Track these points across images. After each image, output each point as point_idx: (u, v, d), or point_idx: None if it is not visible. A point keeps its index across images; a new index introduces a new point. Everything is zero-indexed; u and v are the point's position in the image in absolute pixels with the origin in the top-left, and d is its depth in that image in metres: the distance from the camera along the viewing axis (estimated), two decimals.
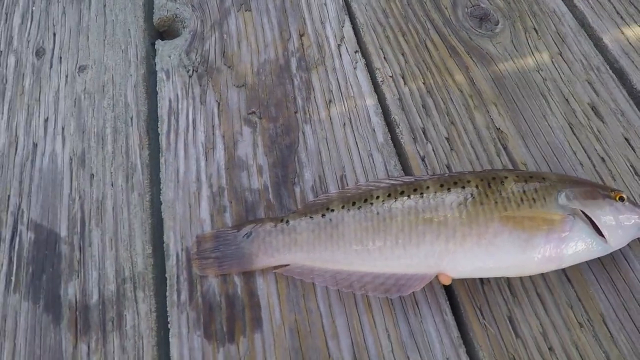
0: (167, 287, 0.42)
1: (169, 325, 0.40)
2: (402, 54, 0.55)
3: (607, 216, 0.36)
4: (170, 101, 0.55)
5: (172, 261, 0.43)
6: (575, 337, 0.37)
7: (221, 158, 0.50)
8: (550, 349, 0.37)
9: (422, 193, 0.39)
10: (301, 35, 0.59)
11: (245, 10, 0.63)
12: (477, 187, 0.38)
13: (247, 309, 0.40)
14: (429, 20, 0.58)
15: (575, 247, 0.36)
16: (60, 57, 0.59)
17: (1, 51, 0.61)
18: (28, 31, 0.62)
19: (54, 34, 0.61)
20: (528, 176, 0.39)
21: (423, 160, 0.47)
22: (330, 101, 0.53)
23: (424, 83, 0.53)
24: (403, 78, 0.53)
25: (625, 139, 0.47)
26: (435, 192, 0.38)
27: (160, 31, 0.65)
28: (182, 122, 0.53)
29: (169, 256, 0.43)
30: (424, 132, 0.49)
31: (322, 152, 0.49)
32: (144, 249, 0.44)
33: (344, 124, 0.51)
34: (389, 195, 0.39)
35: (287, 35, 0.59)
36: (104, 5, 0.64)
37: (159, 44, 0.60)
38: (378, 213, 0.38)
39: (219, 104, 0.54)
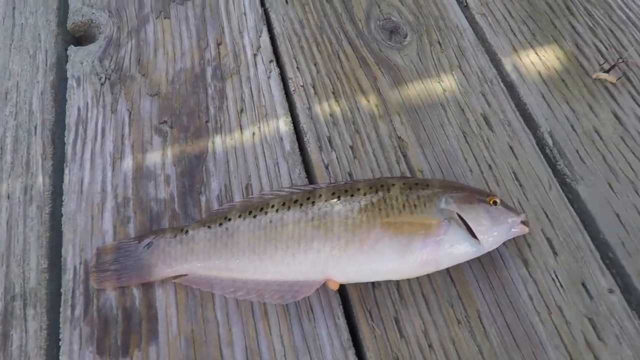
0: (62, 303, 0.41)
1: (60, 342, 0.39)
2: (315, 64, 0.57)
3: (480, 219, 0.39)
4: (79, 109, 0.53)
5: (68, 275, 0.42)
6: (453, 333, 0.40)
7: (129, 168, 0.49)
8: (430, 345, 0.39)
9: (314, 202, 0.40)
10: (218, 44, 0.59)
11: (165, 18, 0.62)
12: (365, 194, 0.39)
13: (144, 321, 0.40)
14: (343, 31, 0.59)
15: (450, 249, 0.38)
16: None
17: None
18: None
19: None
20: (414, 183, 0.41)
21: (327, 168, 0.48)
22: (242, 110, 0.53)
23: (333, 92, 0.54)
24: (314, 87, 0.55)
25: (510, 147, 0.50)
26: (326, 200, 0.39)
27: (77, 36, 0.63)
28: (91, 131, 0.52)
29: (66, 270, 0.42)
30: (329, 141, 0.50)
31: (230, 161, 0.49)
32: (38, 264, 0.42)
33: (254, 133, 0.51)
34: (284, 204, 0.40)
35: (204, 43, 0.59)
36: (13, 8, 0.61)
37: (71, 49, 0.59)
38: (271, 221, 0.39)
39: (130, 112, 0.53)
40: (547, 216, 0.46)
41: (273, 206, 0.41)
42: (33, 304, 0.40)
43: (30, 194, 0.46)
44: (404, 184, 0.41)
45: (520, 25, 0.59)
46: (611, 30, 0.59)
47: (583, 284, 0.42)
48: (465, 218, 0.39)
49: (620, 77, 0.55)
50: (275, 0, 0.62)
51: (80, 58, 0.58)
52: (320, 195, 0.40)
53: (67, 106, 0.54)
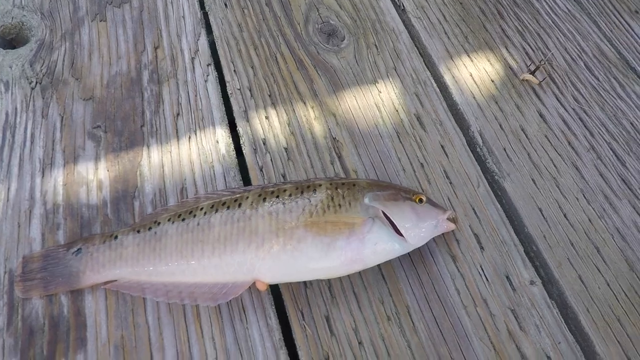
0: None
1: None
2: (252, 67, 0.57)
3: (405, 217, 0.40)
4: (7, 115, 0.52)
5: None
6: (382, 329, 0.41)
7: (59, 174, 0.48)
8: (360, 343, 0.40)
9: (240, 204, 0.40)
10: (156, 48, 0.58)
11: (100, 21, 0.60)
12: (290, 195, 0.40)
13: (72, 329, 0.39)
14: (282, 34, 0.60)
15: (375, 247, 0.39)
16: None
17: None
18: None
19: None
20: (340, 183, 0.41)
21: (261, 170, 0.49)
22: (178, 114, 0.53)
23: (269, 95, 0.54)
24: (250, 91, 0.55)
25: (441, 146, 0.51)
26: (252, 202, 0.40)
27: (8, 39, 0.61)
28: (19, 137, 0.50)
29: None
30: (264, 143, 0.51)
31: (165, 165, 0.49)
32: None
33: (189, 137, 0.51)
34: (212, 207, 0.40)
35: (141, 47, 0.58)
36: None
37: (0, 53, 0.57)
38: (199, 224, 0.39)
39: (62, 117, 0.52)
40: (475, 212, 0.48)
41: (202, 209, 0.40)
42: None
43: None
44: (330, 184, 0.41)
45: (453, 28, 0.61)
46: (538, 34, 0.62)
47: (507, 277, 0.44)
48: (390, 216, 0.40)
49: (545, 78, 0.57)
50: (215, 3, 0.62)
51: (10, 62, 0.56)
52: (247, 197, 0.40)
53: None
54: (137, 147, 0.50)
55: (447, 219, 0.43)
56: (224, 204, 0.40)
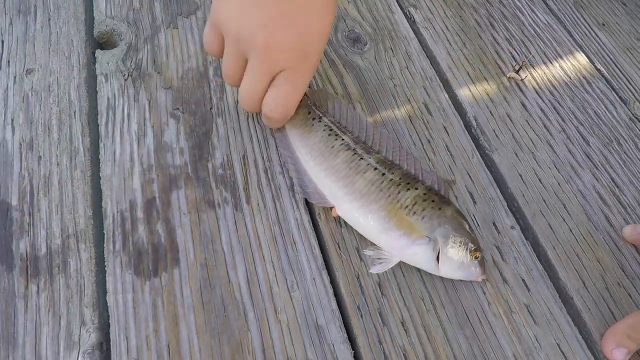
0: (105, 240, 0.48)
1: (105, 267, 0.47)
2: None
3: (452, 261, 0.43)
4: (108, 99, 0.61)
5: (109, 220, 0.50)
6: None
7: (151, 143, 0.57)
8: None
9: (362, 158, 0.50)
10: None
11: (173, 28, 0.70)
12: (391, 179, 0.48)
13: (168, 252, 0.48)
14: None
15: (414, 256, 0.45)
16: (9, 61, 0.63)
17: None
18: None
19: (2, 42, 0.65)
20: (433, 195, 0.46)
21: None
22: (237, 101, 0.62)
23: (309, 87, 0.63)
24: None
25: (444, 127, 0.60)
26: (369, 163, 0.49)
27: (100, 42, 0.71)
28: (119, 115, 0.59)
29: (107, 216, 0.50)
30: None
31: (230, 138, 0.58)
32: (85, 212, 0.50)
33: (248, 117, 0.60)
34: (350, 147, 0.51)
35: None
36: (49, 19, 0.69)
37: (98, 53, 0.66)
38: (333, 147, 0.52)
39: (149, 101, 0.61)
40: (469, 176, 0.56)
41: (341, 145, 0.51)
42: (83, 241, 0.48)
43: (74, 162, 0.54)
44: (424, 193, 0.46)
45: (454, 36, 0.70)
46: (522, 41, 0.70)
47: (493, 223, 0.53)
48: (441, 252, 0.43)
49: (526, 76, 0.66)
50: None
51: (107, 59, 0.65)
52: (370, 157, 0.50)
53: (98, 97, 0.61)
54: (208, 124, 0.59)
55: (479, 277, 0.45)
56: (354, 150, 0.50)
